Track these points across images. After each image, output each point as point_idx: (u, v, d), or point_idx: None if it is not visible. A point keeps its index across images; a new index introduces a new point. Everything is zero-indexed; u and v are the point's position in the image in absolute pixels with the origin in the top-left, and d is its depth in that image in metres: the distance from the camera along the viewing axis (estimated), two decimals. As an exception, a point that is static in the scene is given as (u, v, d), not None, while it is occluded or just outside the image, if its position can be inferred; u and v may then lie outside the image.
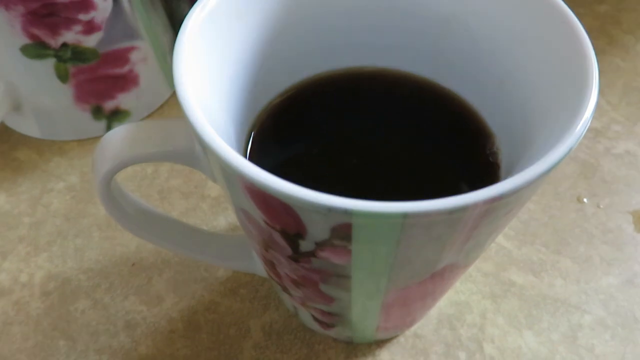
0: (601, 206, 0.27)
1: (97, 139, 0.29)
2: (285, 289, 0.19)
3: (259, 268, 0.21)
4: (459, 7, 0.18)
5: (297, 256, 0.15)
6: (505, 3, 0.17)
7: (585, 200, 0.27)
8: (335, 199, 0.12)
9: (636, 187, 0.27)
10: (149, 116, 0.30)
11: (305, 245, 0.14)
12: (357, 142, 0.20)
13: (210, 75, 0.16)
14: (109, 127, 0.29)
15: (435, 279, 0.17)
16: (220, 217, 0.26)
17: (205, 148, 0.13)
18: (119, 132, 0.16)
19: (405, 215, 0.12)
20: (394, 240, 0.13)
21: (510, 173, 0.17)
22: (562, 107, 0.14)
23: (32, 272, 0.25)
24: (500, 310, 0.23)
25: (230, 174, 0.13)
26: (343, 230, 0.13)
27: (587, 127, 0.13)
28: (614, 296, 0.24)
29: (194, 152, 0.16)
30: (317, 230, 0.13)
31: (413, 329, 0.23)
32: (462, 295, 0.24)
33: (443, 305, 0.24)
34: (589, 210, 0.27)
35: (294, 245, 0.14)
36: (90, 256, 0.25)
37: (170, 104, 0.31)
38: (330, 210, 0.12)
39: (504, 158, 0.18)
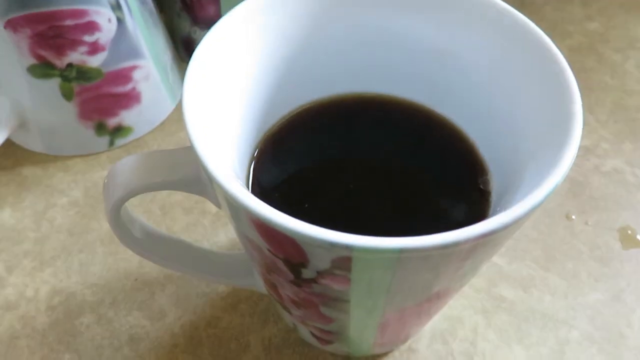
0: (589, 223, 0.28)
1: (100, 154, 0.30)
2: (285, 308, 0.20)
3: (260, 285, 0.22)
4: (452, 42, 0.19)
5: (299, 282, 0.16)
6: (496, 40, 0.18)
7: (574, 217, 0.28)
8: (336, 235, 0.13)
9: (623, 204, 0.28)
10: (151, 132, 0.31)
11: (307, 273, 0.15)
12: (355, 168, 0.20)
13: (217, 103, 0.17)
14: (111, 143, 0.30)
15: (431, 301, 0.17)
16: (221, 232, 0.27)
17: (213, 182, 0.14)
18: (128, 162, 0.17)
19: (401, 250, 0.13)
20: (391, 270, 0.14)
21: (500, 201, 0.17)
22: (549, 142, 0.15)
23: (37, 287, 0.25)
24: (491, 325, 0.24)
25: (236, 208, 0.14)
26: (343, 262, 0.13)
27: (571, 164, 0.14)
28: (600, 312, 0.25)
29: (200, 181, 0.16)
30: (319, 261, 0.14)
31: (407, 343, 0.24)
32: (455, 310, 0.25)
33: (436, 320, 0.24)
34: (578, 227, 0.28)
35: (296, 273, 0.15)
36: (95, 271, 0.26)
37: (171, 120, 0.32)
38: (332, 245, 0.13)
39: (495, 186, 0.19)
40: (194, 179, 0.16)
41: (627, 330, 0.24)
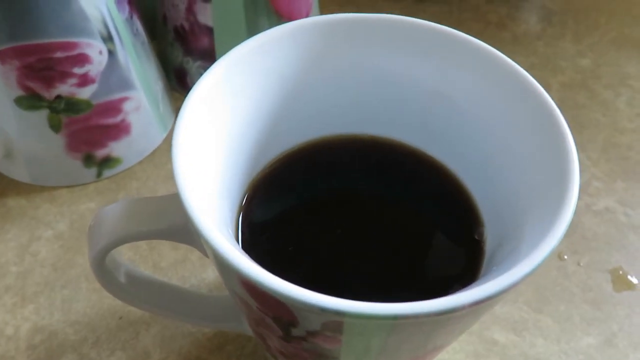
0: (581, 264, 0.27)
1: (87, 185, 0.29)
2: (273, 356, 0.19)
3: (247, 329, 0.22)
4: (444, 84, 0.19)
5: (288, 338, 0.15)
6: (489, 84, 0.18)
7: (566, 257, 0.28)
8: (328, 300, 0.12)
9: (614, 244, 0.28)
10: (140, 162, 0.30)
11: (296, 332, 0.14)
12: (346, 215, 0.20)
13: (207, 150, 0.17)
14: (99, 174, 0.29)
15: (425, 356, 0.17)
16: (209, 269, 0.27)
17: (202, 239, 0.14)
18: (114, 210, 0.16)
19: (395, 317, 0.12)
20: (384, 334, 0.13)
21: (495, 253, 0.17)
22: (545, 199, 0.15)
23: (18, 325, 0.25)
24: (483, 370, 0.24)
25: (225, 267, 0.13)
26: (335, 325, 0.13)
27: (568, 225, 0.14)
28: (593, 357, 0.24)
29: (189, 231, 0.16)
30: (309, 323, 0.13)
31: (398, 388, 0.23)
32: (446, 354, 0.24)
33: (427, 364, 0.24)
34: (570, 268, 0.27)
35: (286, 330, 0.15)
36: (78, 308, 0.25)
37: (161, 150, 0.31)
38: (323, 310, 0.12)
39: (489, 235, 0.18)
40: (183, 229, 0.16)
41: (620, 376, 0.24)
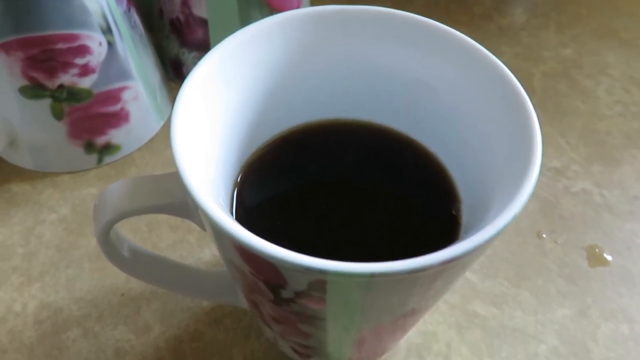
0: (559, 242, 0.29)
1: (88, 171, 0.31)
2: (266, 324, 0.21)
3: (243, 302, 0.23)
4: (427, 74, 0.21)
5: (278, 301, 0.17)
6: (466, 73, 0.20)
7: (544, 236, 0.29)
8: (312, 260, 0.14)
9: (590, 224, 0.30)
10: (138, 150, 0.32)
11: (285, 294, 0.16)
12: (333, 192, 0.22)
13: (203, 132, 0.18)
14: (100, 161, 0.31)
15: (405, 317, 0.18)
16: (206, 249, 0.28)
17: (199, 209, 0.15)
18: (118, 187, 0.18)
19: (372, 275, 0.14)
20: (363, 292, 0.15)
21: (470, 226, 0.19)
22: (511, 174, 0.17)
23: (25, 302, 0.26)
24: (465, 340, 0.26)
25: (220, 233, 0.15)
26: (319, 284, 0.14)
27: (529, 196, 0.15)
28: (567, 327, 0.26)
29: (187, 206, 0.17)
30: (296, 284, 0.15)
31: (384, 357, 0.25)
32: (430, 325, 0.26)
33: (412, 335, 0.25)
34: (548, 246, 0.29)
35: (276, 293, 0.16)
36: (82, 286, 0.27)
37: (159, 138, 0.33)
38: (308, 269, 0.14)
39: (465, 211, 0.20)
40: (181, 204, 0.17)
41: (592, 344, 0.26)
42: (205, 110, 0.18)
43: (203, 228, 0.18)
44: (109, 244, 0.18)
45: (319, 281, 0.14)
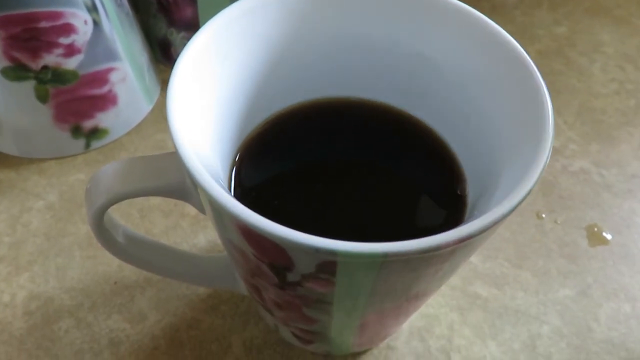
0: (558, 222, 0.29)
1: (75, 156, 0.30)
2: (267, 310, 0.20)
3: (241, 287, 0.22)
4: (427, 47, 0.20)
5: (283, 285, 0.16)
6: (469, 45, 0.19)
7: (544, 216, 0.29)
8: (321, 241, 0.13)
9: (589, 203, 0.30)
10: (127, 134, 0.31)
11: (291, 277, 0.15)
12: (336, 171, 0.21)
13: (200, 109, 0.17)
14: (87, 145, 0.30)
15: (410, 301, 0.18)
16: (200, 234, 0.27)
17: (198, 188, 0.14)
18: (111, 168, 0.17)
19: (385, 255, 0.13)
20: (374, 273, 0.14)
21: (476, 205, 0.18)
22: (522, 150, 0.16)
23: (14, 292, 0.25)
24: (467, 322, 0.25)
25: (221, 214, 0.14)
26: (328, 266, 0.14)
27: (542, 173, 0.15)
28: (569, 307, 0.26)
29: (184, 187, 0.17)
30: (304, 266, 0.14)
31: (386, 341, 0.24)
32: (432, 308, 0.25)
33: (414, 318, 0.25)
34: (547, 226, 0.29)
35: (281, 276, 0.15)
36: (72, 275, 0.26)
37: (148, 121, 0.31)
38: (317, 250, 0.13)
39: (471, 190, 0.19)
40: (178, 184, 0.16)
41: (594, 324, 0.25)
42: (201, 87, 0.17)
43: (201, 210, 0.17)
44: (102, 230, 0.18)
45: (329, 262, 0.14)
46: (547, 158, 0.15)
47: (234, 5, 0.19)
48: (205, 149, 0.17)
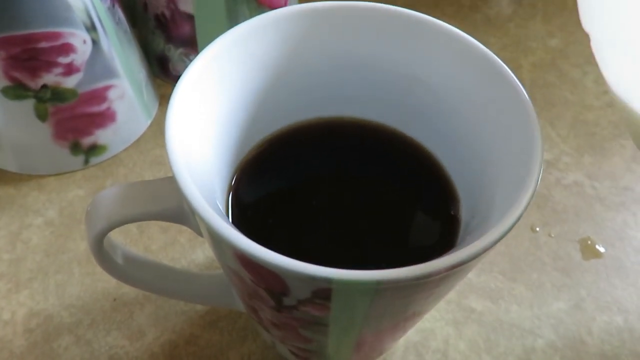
0: (552, 235, 0.29)
1: (74, 172, 0.30)
2: (265, 328, 0.20)
3: (239, 305, 0.23)
4: (421, 69, 0.20)
5: (280, 308, 0.16)
6: (462, 68, 0.19)
7: (538, 229, 0.29)
8: (317, 269, 0.13)
9: (583, 216, 0.30)
10: (125, 149, 0.31)
11: (288, 301, 0.15)
12: (330, 192, 0.21)
13: (197, 134, 0.18)
14: (86, 162, 0.30)
15: (406, 320, 0.18)
16: (198, 250, 0.27)
17: (196, 216, 0.15)
18: (110, 194, 0.17)
19: (379, 282, 0.13)
20: (369, 299, 0.14)
21: (469, 226, 0.18)
22: (513, 172, 0.16)
23: (14, 310, 0.25)
24: (462, 336, 0.25)
25: (220, 242, 0.14)
26: (323, 292, 0.14)
27: (533, 197, 0.15)
28: (563, 320, 0.26)
29: (182, 212, 0.17)
30: (300, 292, 0.15)
31: (382, 356, 0.25)
32: (427, 322, 0.26)
33: (409, 333, 0.25)
34: (541, 239, 0.29)
35: (277, 300, 0.16)
36: (72, 292, 0.26)
37: (146, 137, 0.32)
38: (313, 278, 0.13)
39: (464, 210, 0.20)
40: (176, 210, 0.17)
41: (588, 337, 0.26)
42: (200, 110, 0.18)
43: (199, 233, 0.17)
44: (102, 252, 0.18)
45: (324, 289, 0.14)
46: (537, 183, 0.15)
47: (233, 29, 0.19)
48: (203, 172, 0.17)
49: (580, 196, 0.31)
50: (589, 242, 0.29)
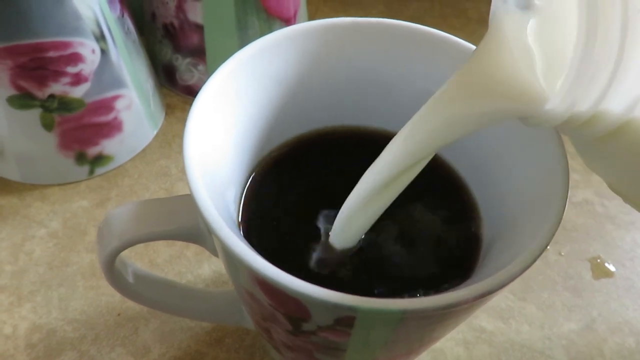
0: (562, 254, 0.29)
1: (79, 182, 0.29)
2: (276, 348, 0.20)
3: (248, 322, 0.22)
4: (431, 83, 0.20)
5: (297, 332, 0.16)
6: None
7: (548, 247, 0.29)
8: (341, 297, 0.13)
9: (593, 234, 0.30)
10: (131, 160, 0.31)
11: (307, 327, 0.15)
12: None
13: (213, 150, 0.17)
14: (91, 172, 0.29)
15: (423, 345, 0.18)
16: (205, 264, 0.27)
17: (214, 236, 0.14)
18: (124, 211, 0.17)
19: (404, 312, 0.13)
20: (392, 327, 0.14)
21: (492, 246, 0.18)
22: (537, 199, 0.16)
23: (16, 324, 0.25)
24: (472, 357, 0.25)
25: (237, 264, 0.14)
26: (346, 320, 0.14)
27: (559, 222, 0.15)
28: (574, 342, 0.26)
29: (198, 231, 0.16)
30: (322, 319, 0.14)
31: (392, 376, 0.24)
32: (437, 342, 0.25)
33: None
34: (552, 258, 0.29)
35: (296, 325, 0.15)
36: (75, 306, 0.25)
37: (152, 147, 0.31)
38: (337, 307, 0.13)
39: (486, 228, 0.19)
40: (192, 229, 0.16)
41: (599, 359, 0.25)
42: (216, 127, 0.18)
43: (216, 254, 0.17)
44: (113, 272, 0.17)
45: (348, 317, 0.13)
46: (563, 213, 0.15)
47: (249, 45, 0.19)
48: (217, 189, 0.17)
49: (590, 214, 0.30)
50: (599, 260, 0.29)
